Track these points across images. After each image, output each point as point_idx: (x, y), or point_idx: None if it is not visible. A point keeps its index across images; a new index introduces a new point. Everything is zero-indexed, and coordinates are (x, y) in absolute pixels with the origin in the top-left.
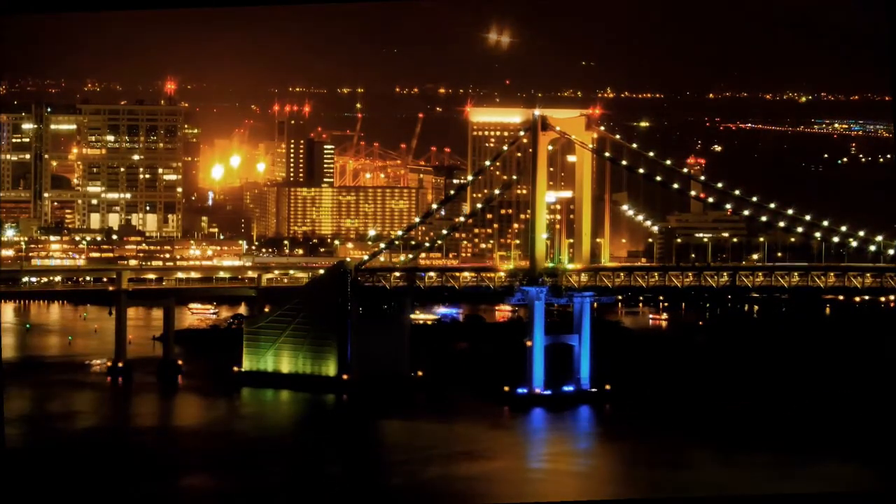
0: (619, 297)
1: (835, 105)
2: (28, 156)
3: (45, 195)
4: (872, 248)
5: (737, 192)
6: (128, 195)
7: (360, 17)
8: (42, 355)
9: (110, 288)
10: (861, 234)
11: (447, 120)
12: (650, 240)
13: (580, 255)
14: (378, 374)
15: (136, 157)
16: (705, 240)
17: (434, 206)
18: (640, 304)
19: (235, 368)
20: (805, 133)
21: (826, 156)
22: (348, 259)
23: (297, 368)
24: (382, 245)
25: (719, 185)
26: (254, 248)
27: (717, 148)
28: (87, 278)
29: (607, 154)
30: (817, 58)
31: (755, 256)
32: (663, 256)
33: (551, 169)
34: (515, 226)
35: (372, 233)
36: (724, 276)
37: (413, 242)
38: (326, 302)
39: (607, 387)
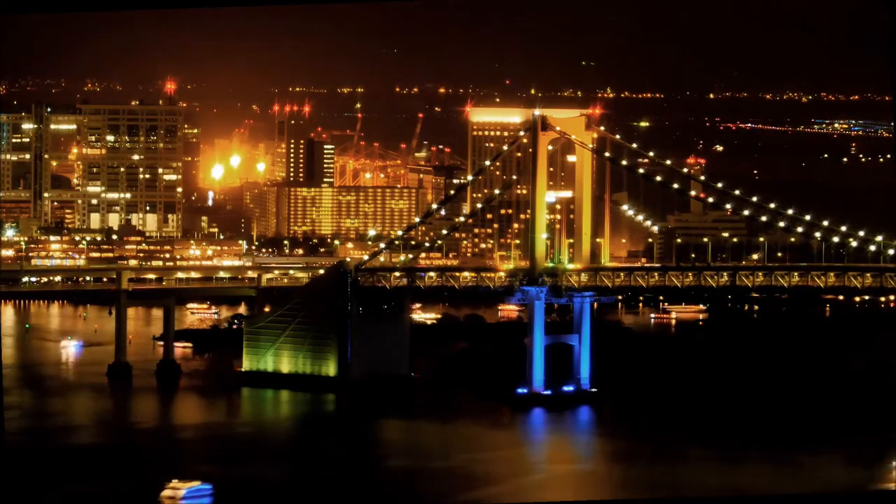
0: (620, 297)
1: (835, 105)
2: (28, 156)
3: (45, 195)
4: (872, 248)
5: (737, 192)
6: (128, 195)
7: (360, 17)
8: (42, 355)
9: (111, 288)
10: (861, 234)
11: (447, 120)
12: (650, 240)
13: (580, 255)
14: (378, 375)
15: (136, 157)
16: (705, 240)
17: (434, 206)
18: (640, 304)
19: (236, 368)
20: (805, 133)
21: (826, 155)
22: (348, 259)
23: (297, 368)
24: (382, 245)
25: (719, 185)
26: (254, 248)
27: (718, 148)
28: (87, 278)
29: (607, 154)
30: (817, 58)
31: (755, 256)
32: (663, 256)
33: (551, 169)
34: (515, 226)
35: (372, 233)
36: (724, 276)
37: (413, 242)
38: (326, 302)
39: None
